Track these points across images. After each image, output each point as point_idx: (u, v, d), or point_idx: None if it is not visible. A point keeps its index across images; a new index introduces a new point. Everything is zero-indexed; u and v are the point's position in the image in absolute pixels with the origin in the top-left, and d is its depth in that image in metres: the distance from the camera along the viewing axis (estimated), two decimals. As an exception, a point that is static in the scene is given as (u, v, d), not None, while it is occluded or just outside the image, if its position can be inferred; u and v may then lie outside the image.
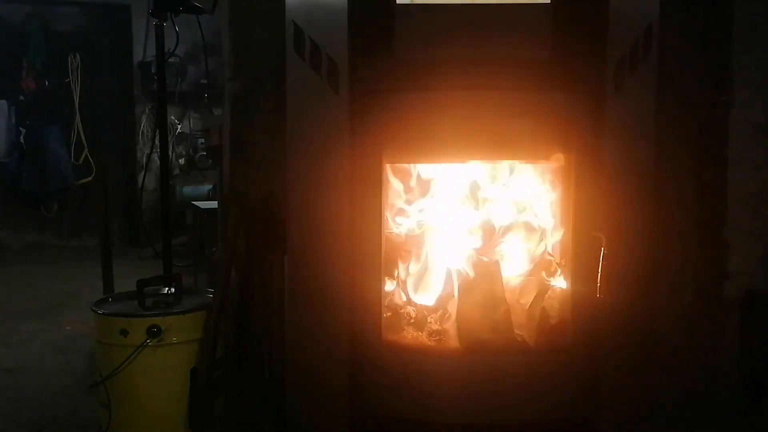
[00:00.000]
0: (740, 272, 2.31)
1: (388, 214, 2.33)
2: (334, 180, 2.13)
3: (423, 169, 2.38)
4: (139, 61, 7.60)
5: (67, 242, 7.74)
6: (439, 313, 2.34)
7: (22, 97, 7.43)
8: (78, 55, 7.55)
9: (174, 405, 2.31)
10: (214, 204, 4.60)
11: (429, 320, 2.33)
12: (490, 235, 2.36)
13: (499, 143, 2.19)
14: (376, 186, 2.17)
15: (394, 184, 2.36)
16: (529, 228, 2.37)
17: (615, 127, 2.11)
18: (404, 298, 2.38)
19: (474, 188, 2.40)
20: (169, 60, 3.14)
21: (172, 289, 2.52)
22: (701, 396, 2.36)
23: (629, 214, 2.12)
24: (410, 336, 2.29)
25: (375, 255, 2.18)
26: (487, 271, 2.28)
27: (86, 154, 7.64)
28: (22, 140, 7.40)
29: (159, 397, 2.32)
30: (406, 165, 2.36)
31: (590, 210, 2.15)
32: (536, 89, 2.15)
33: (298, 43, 2.10)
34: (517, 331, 2.24)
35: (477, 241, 2.36)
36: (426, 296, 2.37)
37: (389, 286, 2.37)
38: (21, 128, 7.41)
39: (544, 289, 2.33)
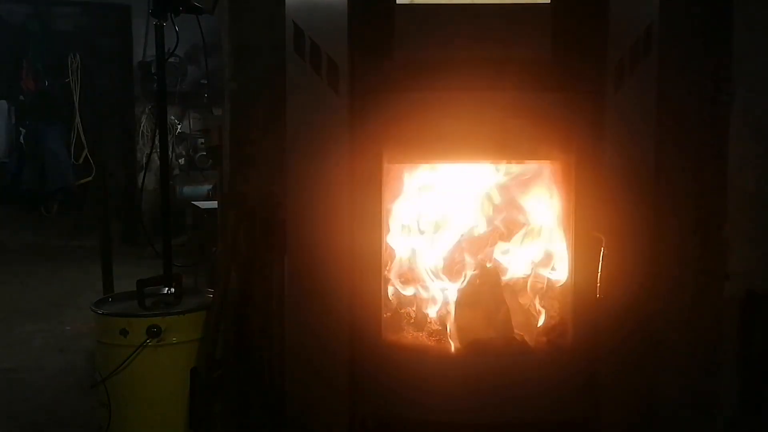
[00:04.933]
0: (740, 272, 2.30)
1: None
2: (334, 180, 2.13)
3: (427, 169, 2.38)
4: (139, 61, 7.60)
5: (66, 242, 7.74)
6: (439, 313, 2.34)
7: (22, 97, 7.44)
8: (78, 55, 7.55)
9: (174, 405, 2.31)
10: (214, 204, 4.60)
11: (429, 320, 2.33)
12: (493, 235, 2.36)
13: (499, 144, 2.19)
14: (376, 186, 2.17)
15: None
16: (530, 228, 2.37)
17: (615, 127, 2.11)
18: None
19: (478, 189, 2.40)
20: (169, 60, 3.14)
21: (172, 289, 2.52)
22: (701, 396, 2.36)
23: (629, 214, 2.12)
24: (410, 336, 2.29)
25: (375, 255, 2.18)
26: (487, 272, 2.28)
27: (86, 154, 7.64)
28: (22, 140, 7.40)
29: (159, 397, 2.32)
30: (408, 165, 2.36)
31: (590, 210, 2.15)
32: (536, 89, 2.15)
33: (298, 43, 2.10)
34: (517, 331, 2.24)
35: (478, 242, 2.36)
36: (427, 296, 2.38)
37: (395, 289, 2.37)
38: (21, 128, 7.42)
39: (543, 289, 2.33)
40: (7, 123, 7.39)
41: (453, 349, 2.23)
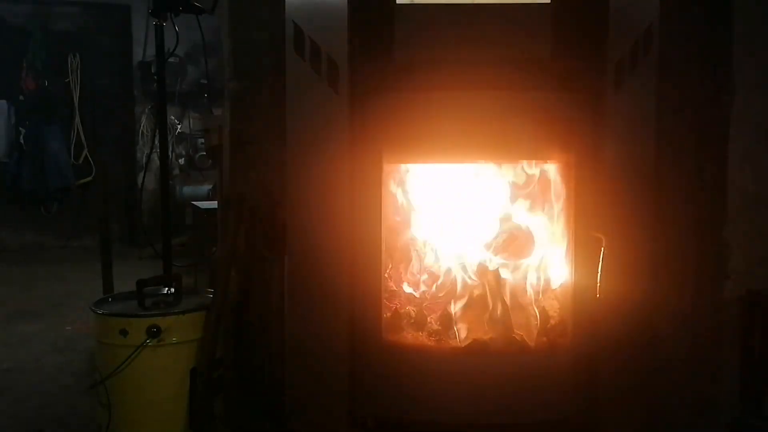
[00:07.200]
0: (740, 272, 2.31)
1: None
2: (334, 180, 2.13)
3: (428, 169, 2.38)
4: (139, 61, 7.60)
5: (66, 242, 7.74)
6: (439, 313, 2.34)
7: (22, 97, 7.43)
8: (78, 55, 7.56)
9: (174, 405, 2.31)
10: (214, 204, 4.60)
11: (429, 320, 2.33)
12: (493, 235, 2.36)
13: (499, 143, 2.19)
14: (376, 186, 2.17)
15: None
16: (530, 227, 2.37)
17: (615, 126, 2.11)
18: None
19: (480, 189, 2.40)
20: (169, 60, 3.14)
21: (172, 289, 2.52)
22: (701, 396, 2.36)
23: (629, 214, 2.12)
24: (410, 336, 2.29)
25: (375, 255, 2.18)
26: (488, 271, 2.28)
27: (86, 154, 7.64)
28: (22, 140, 7.40)
29: (159, 397, 2.32)
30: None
31: (590, 210, 2.15)
32: (536, 89, 2.15)
33: (298, 43, 2.10)
34: (517, 331, 2.24)
35: (480, 242, 2.36)
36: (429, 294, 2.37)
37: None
38: (21, 128, 7.41)
39: (543, 289, 2.33)
40: (7, 123, 7.38)
41: (453, 349, 2.23)
